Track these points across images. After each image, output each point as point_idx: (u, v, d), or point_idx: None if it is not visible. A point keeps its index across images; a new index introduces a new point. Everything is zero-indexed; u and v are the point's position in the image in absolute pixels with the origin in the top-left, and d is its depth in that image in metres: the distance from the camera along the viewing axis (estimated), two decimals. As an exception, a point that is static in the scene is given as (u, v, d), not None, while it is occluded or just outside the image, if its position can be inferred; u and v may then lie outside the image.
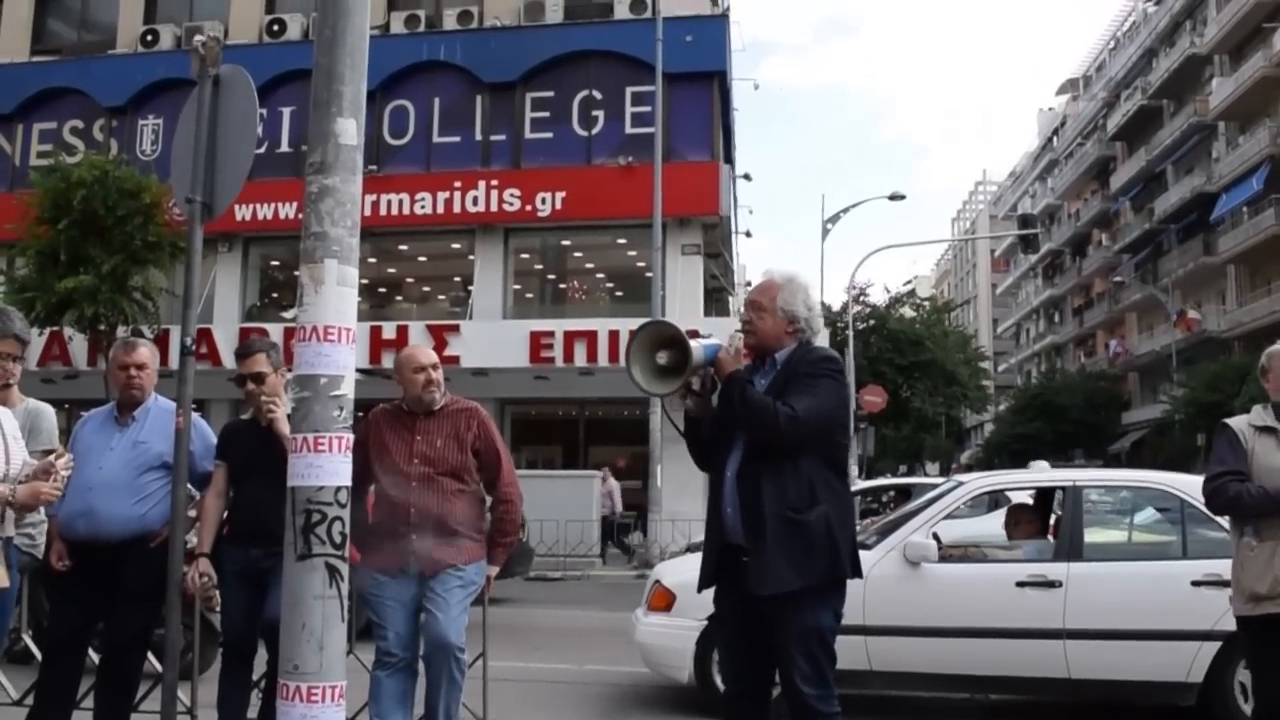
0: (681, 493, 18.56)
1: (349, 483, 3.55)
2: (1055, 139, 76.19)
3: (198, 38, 5.02)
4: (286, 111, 24.63)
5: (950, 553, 7.11)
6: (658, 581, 7.60)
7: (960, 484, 7.76)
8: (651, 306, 19.39)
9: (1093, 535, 7.21)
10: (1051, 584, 6.62)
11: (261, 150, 20.97)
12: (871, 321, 38.90)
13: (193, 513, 5.38)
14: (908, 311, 41.29)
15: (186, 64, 5.26)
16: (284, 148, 24.70)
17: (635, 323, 20.86)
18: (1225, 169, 45.79)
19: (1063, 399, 56.41)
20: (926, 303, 44.70)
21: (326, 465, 3.48)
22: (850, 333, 32.83)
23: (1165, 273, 51.43)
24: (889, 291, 41.43)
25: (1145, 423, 52.65)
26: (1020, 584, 6.66)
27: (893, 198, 35.10)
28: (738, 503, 4.05)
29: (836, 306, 38.29)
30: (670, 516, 18.63)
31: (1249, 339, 43.66)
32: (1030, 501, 8.24)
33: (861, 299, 39.37)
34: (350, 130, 3.62)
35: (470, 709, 5.42)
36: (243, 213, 23.65)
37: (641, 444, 20.82)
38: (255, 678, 5.44)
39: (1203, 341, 47.10)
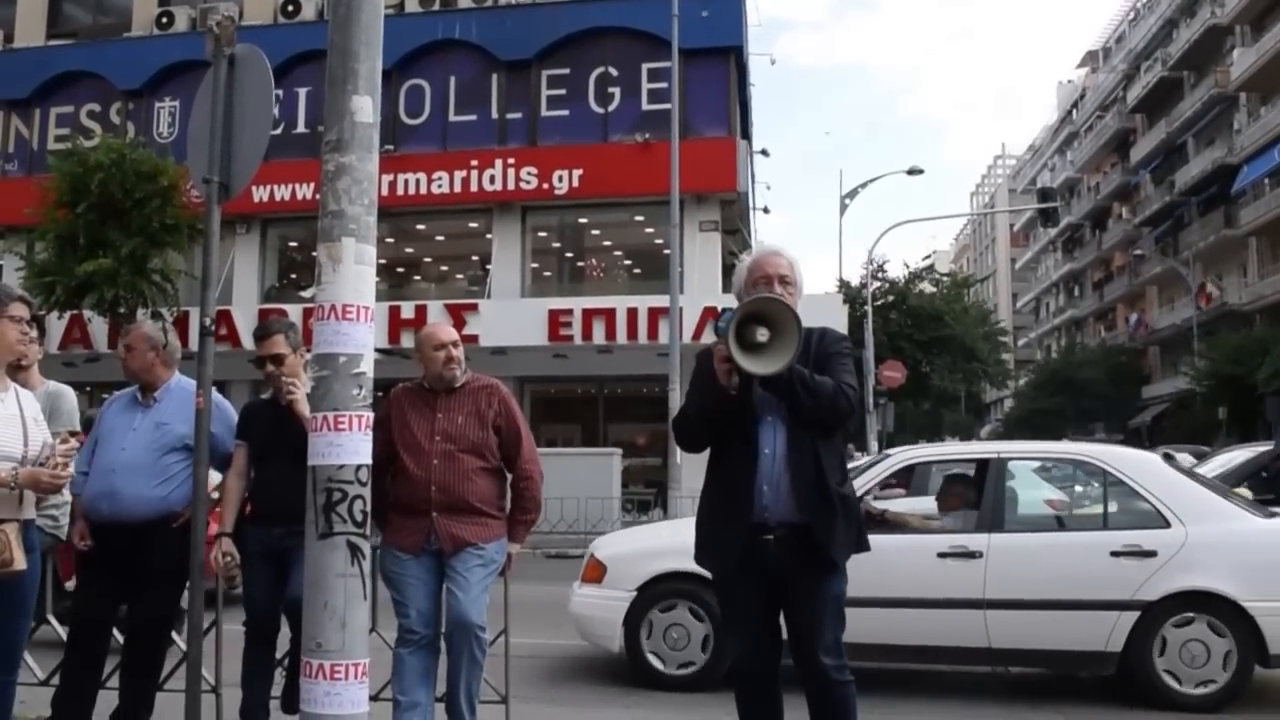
0: (701, 470, 18.43)
1: (369, 461, 3.56)
2: (1074, 112, 75.64)
3: (212, 18, 4.98)
4: (303, 92, 24.64)
5: (874, 524, 7.16)
6: (592, 554, 7.75)
7: (887, 456, 7.94)
8: (670, 284, 19.34)
9: (1015, 506, 7.34)
10: (972, 554, 6.70)
11: (278, 131, 21.01)
12: (890, 297, 38.73)
13: (215, 494, 5.40)
14: (927, 287, 41.12)
15: (202, 45, 5.24)
16: (301, 128, 24.73)
17: (653, 300, 21.13)
18: (1247, 140, 45.38)
19: (1083, 373, 56.22)
20: (945, 278, 44.50)
21: (347, 444, 3.49)
22: (869, 308, 32.69)
23: (1186, 246, 51.10)
24: (908, 267, 41.25)
25: (1166, 396, 52.43)
26: (941, 555, 6.75)
27: (911, 172, 34.93)
28: (787, 481, 4.01)
29: (855, 282, 38.17)
30: (689, 494, 18.57)
31: (1270, 312, 43.40)
32: (967, 474, 8.27)
33: (880, 274, 39.21)
34: (366, 108, 3.61)
35: (492, 685, 5.43)
36: (260, 194, 23.70)
37: (660, 421, 20.80)
38: (279, 656, 5.46)
39: (1224, 314, 46.81)
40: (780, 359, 3.82)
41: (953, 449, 8.96)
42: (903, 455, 7.96)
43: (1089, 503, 7.58)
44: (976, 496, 7.52)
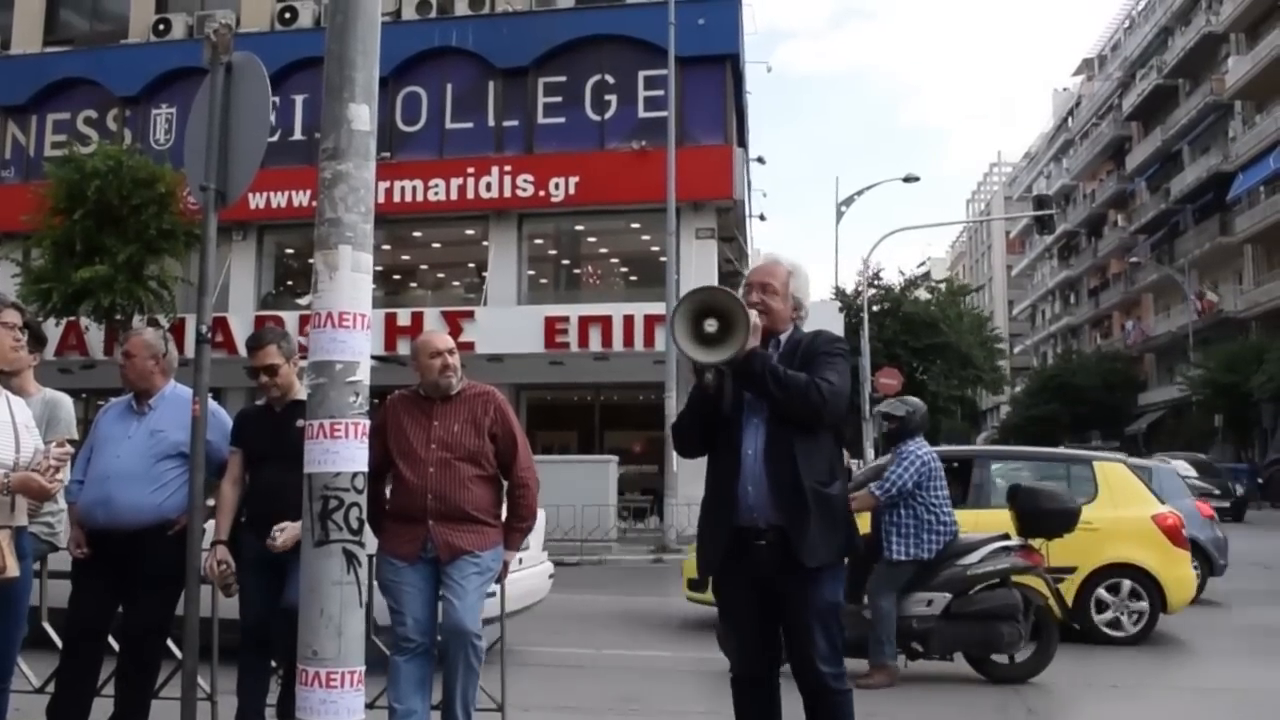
0: (697, 477, 18.04)
1: (365, 468, 3.56)
2: (1070, 119, 75.81)
3: (209, 25, 4.99)
4: (299, 99, 24.65)
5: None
6: None
7: None
8: (666, 291, 19.35)
9: None
10: None
11: (275, 138, 20.99)
12: (886, 304, 38.78)
13: (211, 501, 5.39)
14: (922, 294, 41.17)
15: (199, 53, 5.24)
16: (297, 135, 24.73)
17: (649, 307, 21.13)
18: (1242, 148, 45.52)
19: (1079, 380, 56.28)
20: (941, 285, 44.55)
21: (343, 451, 3.49)
22: (865, 315, 32.72)
23: (1182, 253, 51.19)
24: (904, 274, 41.33)
25: (1162, 404, 52.49)
26: None
27: (907, 180, 34.95)
28: (765, 480, 3.99)
29: (851, 289, 38.21)
30: (686, 500, 18.56)
31: (1266, 319, 43.46)
32: None
33: (876, 282, 39.25)
34: (363, 116, 3.62)
35: (488, 693, 5.43)
36: (257, 201, 23.72)
37: (657, 428, 20.78)
38: (274, 663, 5.46)
39: (1219, 322, 46.89)
40: (729, 349, 3.87)
41: None
42: None
43: None
44: None
